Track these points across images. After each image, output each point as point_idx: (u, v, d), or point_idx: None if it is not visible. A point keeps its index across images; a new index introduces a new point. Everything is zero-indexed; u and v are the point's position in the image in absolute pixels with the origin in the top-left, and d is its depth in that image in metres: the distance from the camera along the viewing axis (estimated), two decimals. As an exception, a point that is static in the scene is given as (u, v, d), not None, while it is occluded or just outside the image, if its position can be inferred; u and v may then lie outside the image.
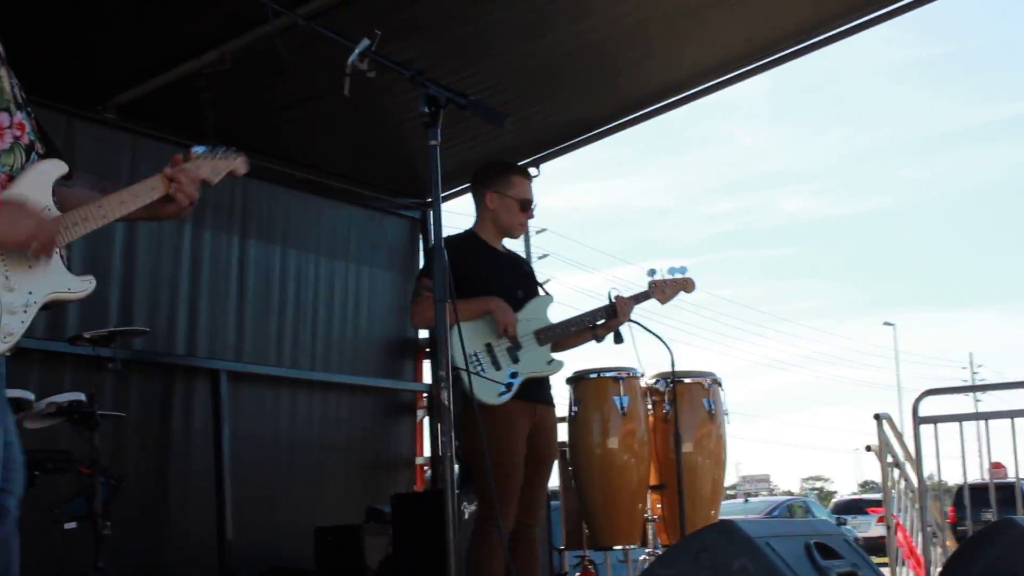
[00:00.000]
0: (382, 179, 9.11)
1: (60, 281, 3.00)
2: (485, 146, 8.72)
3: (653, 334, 6.29)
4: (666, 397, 6.54)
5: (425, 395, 9.33)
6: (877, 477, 7.76)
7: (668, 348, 6.68)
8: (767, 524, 4.36)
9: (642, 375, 6.57)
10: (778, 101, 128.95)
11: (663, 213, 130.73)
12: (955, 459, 7.61)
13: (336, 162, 8.56)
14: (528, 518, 5.05)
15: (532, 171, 9.50)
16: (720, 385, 6.75)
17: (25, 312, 2.89)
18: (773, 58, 8.25)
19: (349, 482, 8.49)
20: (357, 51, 2.98)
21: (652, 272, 5.58)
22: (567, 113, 8.75)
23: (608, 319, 5.38)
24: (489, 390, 5.01)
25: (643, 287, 5.62)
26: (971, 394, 35.94)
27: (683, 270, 5.63)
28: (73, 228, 3.01)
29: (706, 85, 8.51)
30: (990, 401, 43.83)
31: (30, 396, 4.28)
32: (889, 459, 7.92)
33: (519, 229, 5.36)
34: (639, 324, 6.08)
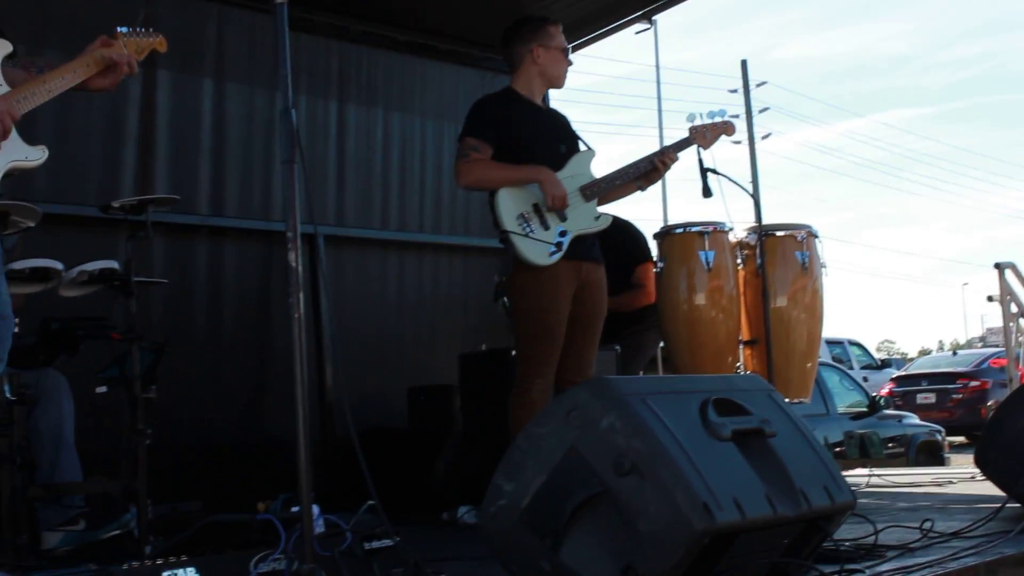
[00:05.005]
0: (493, 38, 8.92)
1: (17, 151, 3.19)
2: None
3: (738, 185, 6.16)
4: (757, 251, 6.36)
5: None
6: None
7: (755, 199, 6.50)
8: (661, 381, 4.20)
9: (731, 229, 6.40)
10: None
11: (904, 60, 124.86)
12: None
13: (442, 21, 8.36)
14: (579, 376, 5.00)
15: (643, 25, 9.27)
16: (817, 237, 6.52)
17: None
18: None
19: (464, 341, 8.40)
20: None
21: (691, 117, 5.43)
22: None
23: (651, 170, 5.23)
24: (539, 251, 4.96)
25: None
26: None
27: (722, 113, 5.52)
28: (23, 102, 3.23)
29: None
30: None
31: (59, 265, 4.37)
32: (1014, 309, 7.54)
33: (564, 78, 5.29)
34: (726, 176, 5.94)
